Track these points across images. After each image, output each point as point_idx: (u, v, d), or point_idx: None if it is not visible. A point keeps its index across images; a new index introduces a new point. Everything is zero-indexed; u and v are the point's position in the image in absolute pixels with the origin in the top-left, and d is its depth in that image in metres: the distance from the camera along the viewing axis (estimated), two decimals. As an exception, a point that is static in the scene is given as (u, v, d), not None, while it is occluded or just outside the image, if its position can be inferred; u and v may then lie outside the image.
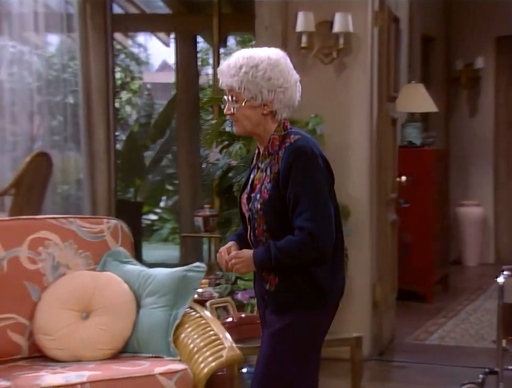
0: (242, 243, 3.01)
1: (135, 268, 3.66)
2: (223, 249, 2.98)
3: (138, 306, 3.58)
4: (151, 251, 9.36)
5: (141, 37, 11.38)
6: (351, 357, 4.33)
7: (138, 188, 9.71)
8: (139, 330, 3.54)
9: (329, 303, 2.91)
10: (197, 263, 3.70)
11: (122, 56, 11.46)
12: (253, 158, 3.05)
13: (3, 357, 3.45)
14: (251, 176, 3.00)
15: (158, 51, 11.26)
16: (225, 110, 2.95)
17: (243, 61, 2.87)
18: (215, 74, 7.32)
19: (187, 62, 8.78)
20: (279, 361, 2.87)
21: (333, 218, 2.85)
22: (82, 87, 7.15)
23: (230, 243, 3.01)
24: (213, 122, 5.75)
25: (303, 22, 5.31)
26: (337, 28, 5.27)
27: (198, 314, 3.61)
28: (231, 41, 10.73)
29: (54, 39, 8.18)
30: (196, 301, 3.90)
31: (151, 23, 9.20)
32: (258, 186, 2.92)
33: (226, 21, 7.69)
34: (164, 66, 13.23)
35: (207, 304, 3.86)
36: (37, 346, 3.50)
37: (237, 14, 8.51)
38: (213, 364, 3.40)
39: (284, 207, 2.84)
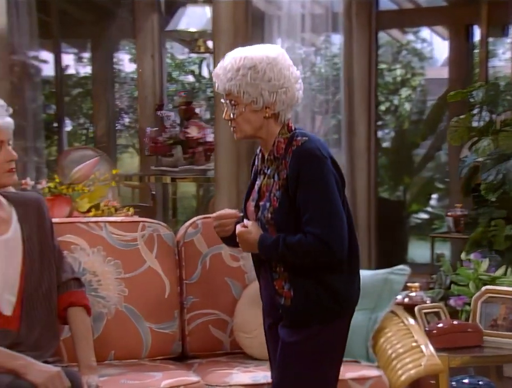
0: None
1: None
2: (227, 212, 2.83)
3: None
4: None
5: (425, 32, 11.20)
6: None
7: (408, 187, 9.55)
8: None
9: (346, 313, 2.71)
10: (401, 266, 3.56)
11: (404, 52, 11.34)
12: (254, 162, 2.86)
13: (206, 351, 3.54)
14: (258, 182, 2.79)
15: (440, 46, 10.98)
16: (223, 115, 2.75)
17: (239, 62, 2.65)
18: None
19: (459, 56, 8.47)
20: (296, 381, 2.69)
21: (346, 223, 2.65)
22: (344, 85, 7.16)
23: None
24: (461, 117, 5.50)
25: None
26: None
27: (399, 319, 3.47)
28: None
29: (336, 39, 8.25)
30: (405, 305, 3.76)
31: (423, 17, 8.96)
32: (267, 194, 2.72)
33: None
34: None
35: (416, 309, 3.68)
36: (237, 343, 3.54)
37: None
38: (412, 371, 3.26)
39: (295, 214, 2.66)
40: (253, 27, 7.95)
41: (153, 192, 7.16)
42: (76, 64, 10.41)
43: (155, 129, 6.79)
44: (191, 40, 7.40)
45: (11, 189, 3.58)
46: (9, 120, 2.86)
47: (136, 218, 3.61)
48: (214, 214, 2.86)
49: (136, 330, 3.41)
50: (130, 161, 9.26)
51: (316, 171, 2.65)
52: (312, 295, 2.66)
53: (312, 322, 2.68)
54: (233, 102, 2.69)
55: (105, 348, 3.35)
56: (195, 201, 9.87)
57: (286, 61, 2.71)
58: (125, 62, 10.05)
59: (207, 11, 7.09)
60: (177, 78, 10.17)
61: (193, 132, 6.69)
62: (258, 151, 2.84)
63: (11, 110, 2.89)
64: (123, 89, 10.05)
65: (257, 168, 2.82)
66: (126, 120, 10.04)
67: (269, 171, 2.75)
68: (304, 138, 2.68)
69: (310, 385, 2.72)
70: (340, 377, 3.13)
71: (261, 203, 2.74)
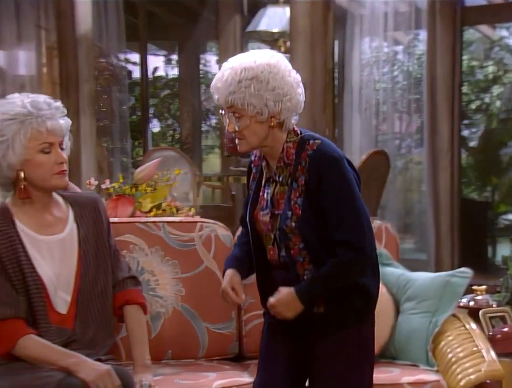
0: (244, 269, 2.78)
1: (394, 270, 3.52)
2: (226, 286, 2.73)
3: (397, 311, 3.44)
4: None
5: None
6: None
7: (496, 187, 9.29)
8: (397, 336, 3.40)
9: (373, 310, 2.67)
10: (463, 269, 3.47)
11: (496, 48, 11.05)
12: (249, 170, 2.80)
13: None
14: (268, 191, 2.71)
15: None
16: (227, 128, 2.66)
17: (241, 74, 2.57)
18: None
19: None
20: (339, 383, 2.66)
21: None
22: (427, 83, 7.05)
23: (230, 275, 2.75)
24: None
25: None
26: None
27: (460, 323, 3.39)
28: None
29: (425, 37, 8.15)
30: (470, 309, 3.67)
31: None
32: (284, 202, 2.66)
33: None
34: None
35: (480, 313, 3.59)
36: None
37: None
38: (472, 376, 3.18)
39: (319, 220, 2.60)
40: (335, 26, 7.94)
41: (233, 192, 7.19)
42: (166, 66, 10.55)
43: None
44: (271, 40, 7.41)
45: (77, 189, 3.66)
46: (62, 123, 2.85)
47: (194, 218, 3.62)
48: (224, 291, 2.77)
49: (193, 330, 3.42)
50: (216, 162, 9.33)
51: (338, 173, 2.61)
52: (344, 297, 2.64)
53: (348, 324, 2.65)
54: (236, 114, 2.62)
55: (162, 348, 3.37)
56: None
57: (287, 66, 2.65)
58: (212, 64, 10.12)
59: (287, 11, 7.09)
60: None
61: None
62: (253, 158, 2.79)
63: (65, 111, 2.89)
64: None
65: (259, 177, 2.75)
66: (213, 121, 10.11)
67: (280, 178, 2.70)
68: (316, 141, 2.66)
69: (351, 386, 2.69)
70: (396, 381, 3.14)
71: (277, 212, 2.68)
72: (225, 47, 7.92)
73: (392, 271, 3.51)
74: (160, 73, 10.46)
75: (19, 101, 2.83)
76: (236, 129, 2.63)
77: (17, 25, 7.82)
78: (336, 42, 8.00)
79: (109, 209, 3.55)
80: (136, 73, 10.02)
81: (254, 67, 2.58)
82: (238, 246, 2.87)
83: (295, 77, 2.65)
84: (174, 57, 10.16)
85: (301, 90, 2.66)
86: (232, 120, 2.63)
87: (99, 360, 2.84)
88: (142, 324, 3.00)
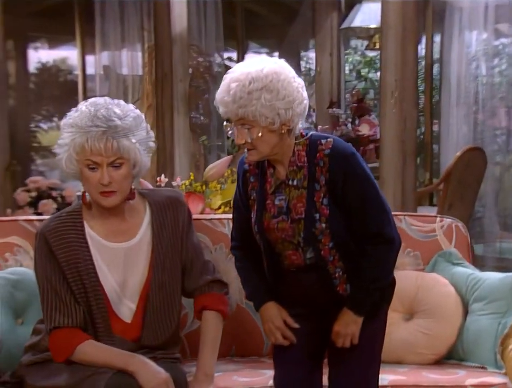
0: (275, 297, 2.80)
1: (464, 270, 3.43)
2: (279, 324, 2.76)
3: (465, 312, 3.36)
4: None
5: None
6: None
7: None
8: (465, 337, 3.32)
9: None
10: (534, 269, 3.36)
11: None
12: (245, 179, 2.76)
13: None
14: (281, 197, 2.69)
15: None
16: (236, 140, 2.62)
17: (250, 85, 2.53)
18: None
19: None
20: (371, 365, 2.79)
21: None
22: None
23: (276, 310, 2.78)
24: None
25: None
26: None
27: (532, 325, 3.27)
28: None
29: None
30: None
31: None
32: (305, 205, 2.64)
33: None
34: None
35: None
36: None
37: None
38: (541, 379, 3.07)
39: (345, 216, 2.65)
40: (434, 19, 7.81)
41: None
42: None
43: (325, 126, 6.80)
44: (366, 36, 7.35)
45: (149, 186, 3.71)
46: (116, 145, 2.72)
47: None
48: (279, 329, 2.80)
49: (257, 328, 3.41)
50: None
51: (359, 168, 2.65)
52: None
53: (380, 311, 2.78)
54: (247, 125, 2.59)
55: (227, 344, 3.38)
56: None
57: (290, 71, 2.63)
58: (314, 61, 10.08)
59: (381, 7, 7.02)
60: (366, 75, 10.09)
61: (364, 129, 6.65)
62: (247, 167, 2.76)
63: (131, 130, 2.76)
64: (312, 87, 10.09)
65: (261, 185, 2.73)
66: (314, 118, 10.08)
67: (295, 182, 2.68)
68: (328, 139, 2.68)
69: (378, 366, 2.84)
70: (460, 383, 3.08)
71: (298, 216, 2.67)
72: (322, 44, 7.89)
73: (461, 271, 3.43)
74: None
75: (85, 109, 2.76)
76: (249, 141, 2.61)
77: (121, 27, 8.04)
78: (438, 36, 7.90)
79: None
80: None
81: (262, 76, 2.56)
82: (249, 270, 2.86)
83: (299, 82, 2.65)
84: (277, 55, 10.18)
85: (305, 93, 2.65)
86: (242, 133, 2.61)
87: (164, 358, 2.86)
88: (214, 332, 2.95)
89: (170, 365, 2.84)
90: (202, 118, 7.95)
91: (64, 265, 2.80)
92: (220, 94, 2.60)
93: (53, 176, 8.81)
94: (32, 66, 9.31)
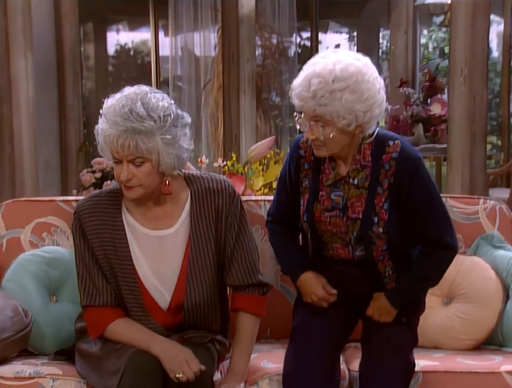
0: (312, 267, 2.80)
1: (506, 253, 3.34)
2: (319, 292, 2.78)
3: (506, 296, 3.27)
4: None
5: None
6: None
7: None
8: (505, 322, 3.24)
9: None
10: None
11: None
12: (298, 164, 2.71)
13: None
14: (338, 193, 2.66)
15: None
16: (306, 134, 2.55)
17: (332, 84, 2.46)
18: None
19: None
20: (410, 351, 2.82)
21: None
22: None
23: (314, 279, 2.78)
24: None
25: None
26: None
27: None
28: None
29: None
30: None
31: None
32: (364, 206, 2.62)
33: None
34: None
35: None
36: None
37: None
38: None
39: (404, 221, 2.65)
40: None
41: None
42: (349, 43, 10.49)
43: (396, 106, 6.71)
44: (440, 13, 7.20)
45: (192, 168, 3.74)
46: (134, 144, 2.65)
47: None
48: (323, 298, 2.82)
49: (292, 310, 3.41)
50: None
51: (424, 173, 2.64)
52: None
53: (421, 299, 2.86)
54: (321, 123, 2.55)
55: (262, 326, 3.37)
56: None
57: (374, 70, 2.57)
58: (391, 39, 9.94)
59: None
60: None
61: (435, 109, 6.53)
62: (302, 152, 2.71)
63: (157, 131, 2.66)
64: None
65: (316, 175, 2.71)
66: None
67: (356, 181, 2.65)
68: (396, 141, 2.62)
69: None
70: (494, 369, 3.02)
71: (355, 216, 2.66)
72: (397, 22, 7.78)
73: (503, 255, 3.34)
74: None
75: (115, 102, 2.70)
76: (322, 138, 2.56)
77: (194, 8, 8.11)
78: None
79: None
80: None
81: (347, 76, 2.49)
82: (284, 243, 2.87)
83: (381, 82, 2.59)
84: (355, 35, 10.09)
85: (384, 94, 2.59)
86: (315, 129, 2.56)
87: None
88: (249, 334, 2.94)
89: (196, 344, 2.85)
90: (275, 99, 7.96)
91: (96, 246, 2.82)
92: (298, 87, 2.54)
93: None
94: (111, 48, 9.47)
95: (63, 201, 3.40)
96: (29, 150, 5.71)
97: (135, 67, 9.37)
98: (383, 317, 2.74)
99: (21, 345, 3.04)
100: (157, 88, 7.96)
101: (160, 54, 8.29)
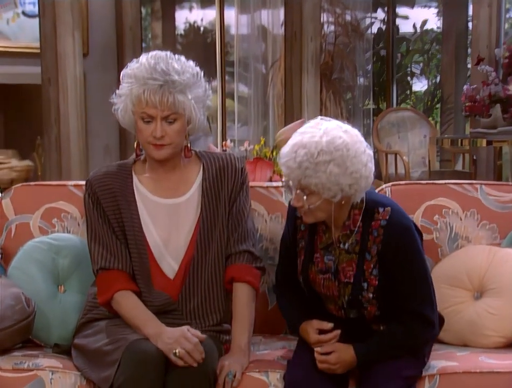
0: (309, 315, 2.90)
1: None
2: (315, 339, 2.84)
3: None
4: None
5: None
6: None
7: None
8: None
9: None
10: None
11: None
12: (295, 224, 2.89)
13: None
14: (329, 257, 2.79)
15: None
16: (292, 202, 2.68)
17: (318, 157, 2.58)
18: None
19: None
20: None
21: None
22: None
23: (308, 328, 2.86)
24: None
25: None
26: None
27: None
28: None
29: None
30: None
31: None
32: (355, 272, 2.73)
33: None
34: None
35: None
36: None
37: None
38: None
39: (394, 288, 2.76)
40: None
41: (475, 157, 6.94)
42: (438, 17, 10.32)
43: (473, 86, 6.58)
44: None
45: (216, 150, 3.77)
46: (171, 99, 2.84)
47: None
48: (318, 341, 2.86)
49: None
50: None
51: (412, 244, 2.75)
52: None
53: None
54: (306, 191, 2.69)
55: (280, 321, 3.37)
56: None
57: (362, 141, 2.67)
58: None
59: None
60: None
61: (515, 88, 6.37)
62: (298, 214, 2.82)
63: (188, 85, 2.88)
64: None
65: (310, 237, 2.86)
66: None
67: (346, 245, 2.77)
68: (386, 208, 2.73)
69: None
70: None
71: (346, 280, 2.79)
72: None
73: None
74: (431, 26, 10.26)
75: (145, 61, 2.90)
76: (306, 207, 2.71)
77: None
78: None
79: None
80: (405, 28, 9.95)
81: (332, 150, 2.62)
82: (287, 303, 3.02)
83: (369, 154, 2.70)
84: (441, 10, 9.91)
85: (373, 167, 2.71)
86: (300, 197, 2.71)
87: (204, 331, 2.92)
88: (246, 305, 2.99)
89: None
90: (348, 79, 7.90)
91: (109, 212, 2.98)
92: (285, 156, 2.70)
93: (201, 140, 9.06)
94: (180, 26, 9.57)
95: (74, 185, 3.46)
96: (77, 134, 5.85)
97: (204, 45, 9.44)
98: (341, 369, 2.78)
99: (23, 335, 3.10)
100: (222, 68, 8.03)
101: (230, 32, 8.35)
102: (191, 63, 2.95)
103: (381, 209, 2.75)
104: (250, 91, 8.17)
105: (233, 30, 8.41)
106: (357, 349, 2.76)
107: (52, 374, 2.94)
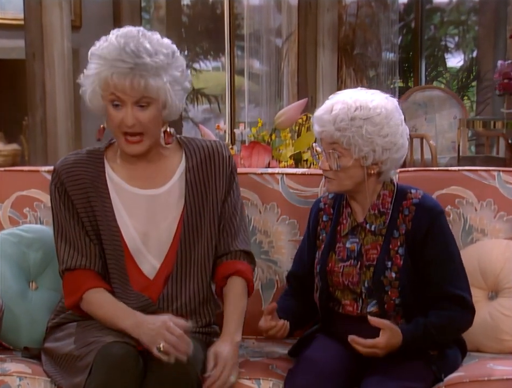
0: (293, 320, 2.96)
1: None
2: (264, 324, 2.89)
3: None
4: None
5: None
6: None
7: None
8: None
9: None
10: None
11: None
12: (317, 217, 3.02)
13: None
14: (353, 240, 2.88)
15: None
16: (320, 164, 2.78)
17: (354, 111, 2.71)
18: None
19: None
20: None
21: None
22: None
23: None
24: None
25: None
26: None
27: None
28: None
29: None
30: None
31: None
32: (379, 252, 2.82)
33: None
34: None
35: None
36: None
37: None
38: None
39: (418, 273, 2.85)
40: None
41: (510, 141, 6.91)
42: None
43: (509, 61, 6.56)
44: None
45: (211, 136, 3.79)
46: (143, 83, 2.81)
47: (318, 171, 3.58)
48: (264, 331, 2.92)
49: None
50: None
51: (445, 226, 2.90)
52: None
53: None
54: (337, 153, 2.80)
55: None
56: None
57: (401, 114, 2.81)
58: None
59: None
60: None
61: (553, 65, 6.36)
62: (322, 205, 3.00)
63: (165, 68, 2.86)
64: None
65: (334, 226, 2.96)
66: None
67: (373, 227, 2.89)
68: (419, 191, 2.91)
69: None
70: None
71: (368, 263, 2.88)
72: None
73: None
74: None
75: (114, 40, 2.85)
76: (335, 168, 2.83)
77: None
78: None
79: (242, 159, 3.65)
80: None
81: (371, 107, 2.78)
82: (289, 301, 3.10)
83: (405, 128, 2.86)
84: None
85: (407, 143, 2.87)
86: (330, 158, 2.83)
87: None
88: (243, 300, 3.02)
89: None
90: (371, 54, 7.90)
91: (78, 205, 2.96)
92: (320, 110, 2.84)
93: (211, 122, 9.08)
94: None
95: (48, 171, 3.43)
96: (65, 115, 5.85)
97: (212, 18, 9.46)
98: (388, 348, 2.79)
99: (-13, 336, 3.12)
100: (231, 42, 8.04)
101: (241, 2, 8.36)
102: (166, 41, 2.91)
103: (413, 191, 2.91)
104: (262, 67, 8.18)
105: (244, 0, 8.42)
106: (405, 334, 2.80)
107: (20, 380, 2.96)
